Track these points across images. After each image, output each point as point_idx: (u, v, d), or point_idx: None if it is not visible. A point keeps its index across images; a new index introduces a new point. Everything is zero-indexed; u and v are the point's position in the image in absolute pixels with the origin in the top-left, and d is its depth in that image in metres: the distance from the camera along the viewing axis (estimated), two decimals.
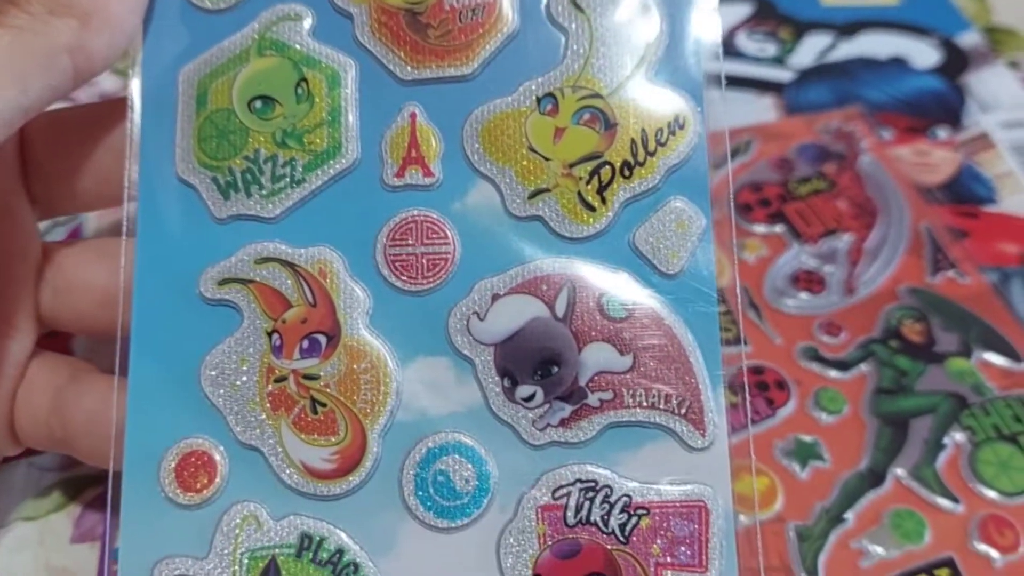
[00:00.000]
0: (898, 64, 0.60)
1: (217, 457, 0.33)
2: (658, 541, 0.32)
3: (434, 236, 0.33)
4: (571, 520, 0.32)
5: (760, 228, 0.52)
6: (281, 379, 0.33)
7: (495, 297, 0.33)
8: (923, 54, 0.60)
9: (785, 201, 0.53)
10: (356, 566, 0.32)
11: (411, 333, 0.33)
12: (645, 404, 0.33)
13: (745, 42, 0.62)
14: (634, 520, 0.32)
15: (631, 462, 0.33)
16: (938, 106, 0.58)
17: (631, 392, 0.33)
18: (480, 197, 0.34)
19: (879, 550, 0.41)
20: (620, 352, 0.33)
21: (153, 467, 0.33)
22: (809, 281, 0.50)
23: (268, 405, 0.33)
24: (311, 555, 0.32)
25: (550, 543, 0.32)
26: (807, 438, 0.45)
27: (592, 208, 0.34)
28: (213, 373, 0.33)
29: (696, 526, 0.32)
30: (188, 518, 0.33)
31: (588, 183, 0.34)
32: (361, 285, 0.33)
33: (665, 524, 0.32)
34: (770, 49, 0.61)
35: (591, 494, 0.32)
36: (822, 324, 0.48)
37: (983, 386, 0.46)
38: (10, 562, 0.41)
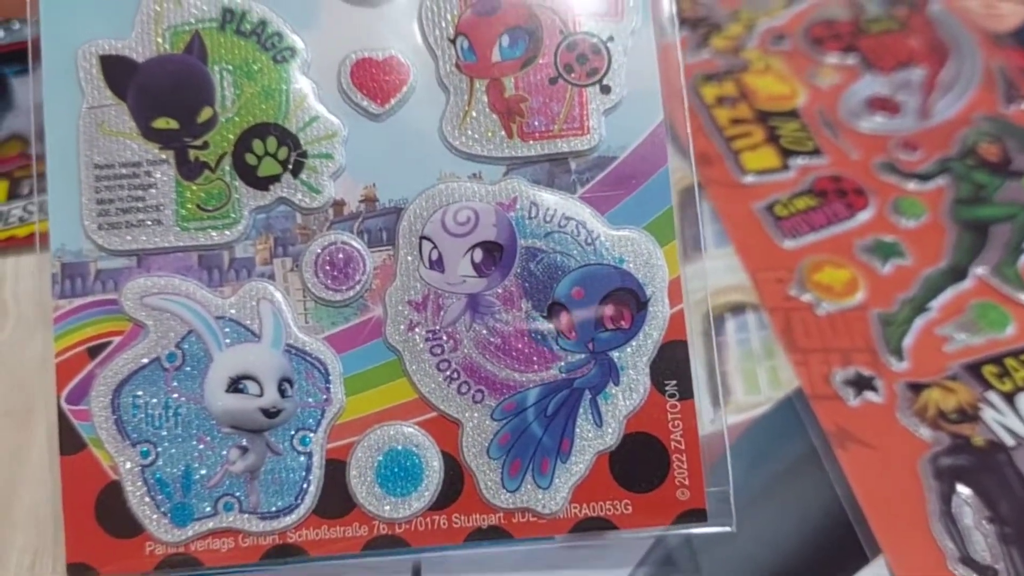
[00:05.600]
0: None
1: None
2: None
3: None
4: None
5: (832, 59, 0.54)
6: None
7: None
8: None
9: (856, 36, 0.55)
10: (280, 36, 0.32)
11: None
12: None
13: None
14: None
15: None
16: None
17: None
18: None
19: (964, 336, 0.42)
20: None
21: None
22: (884, 106, 0.51)
23: None
24: (234, 27, 0.32)
25: (471, 2, 0.33)
26: (888, 238, 0.46)
27: None
28: None
29: None
30: (107, 2, 0.33)
31: None
32: None
33: None
34: None
35: None
36: (898, 142, 0.50)
37: None
38: None
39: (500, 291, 0.32)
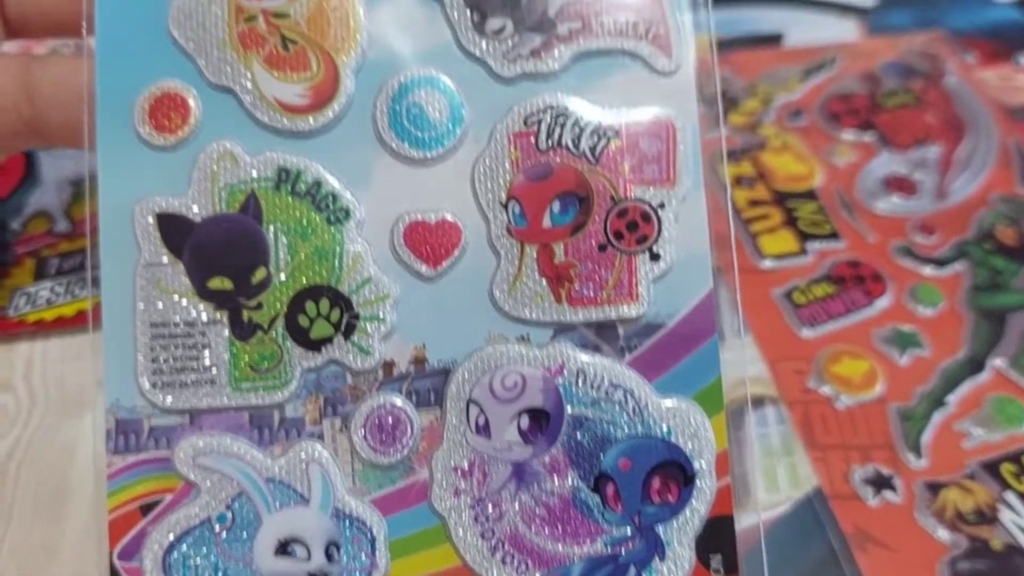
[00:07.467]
0: None
1: (190, 100, 0.33)
2: (627, 160, 0.33)
3: None
4: (543, 145, 0.33)
5: (849, 136, 0.54)
6: (251, 18, 0.33)
7: None
8: None
9: (873, 112, 0.55)
10: (334, 197, 0.33)
11: None
12: (613, 31, 0.33)
13: None
14: (604, 142, 0.33)
15: (601, 89, 0.33)
16: (1021, 35, 0.59)
17: (599, 19, 0.33)
18: None
19: (981, 432, 0.42)
20: None
21: (126, 111, 0.33)
22: (901, 186, 0.52)
23: (238, 44, 0.33)
24: (289, 187, 0.33)
25: (523, 167, 0.33)
26: (905, 328, 0.46)
27: None
28: (181, 16, 0.33)
29: (664, 145, 0.33)
30: (165, 160, 0.33)
31: None
32: None
33: (634, 144, 0.33)
34: None
35: (562, 119, 0.33)
36: (915, 225, 0.50)
37: None
38: None
39: (547, 460, 0.32)
